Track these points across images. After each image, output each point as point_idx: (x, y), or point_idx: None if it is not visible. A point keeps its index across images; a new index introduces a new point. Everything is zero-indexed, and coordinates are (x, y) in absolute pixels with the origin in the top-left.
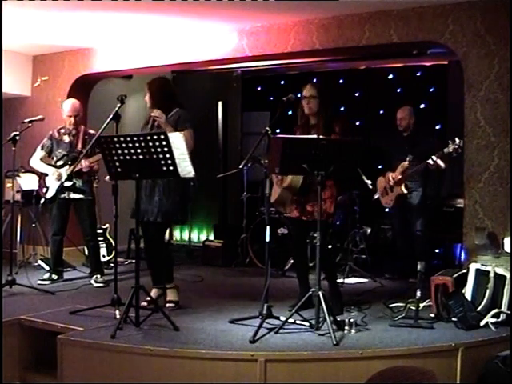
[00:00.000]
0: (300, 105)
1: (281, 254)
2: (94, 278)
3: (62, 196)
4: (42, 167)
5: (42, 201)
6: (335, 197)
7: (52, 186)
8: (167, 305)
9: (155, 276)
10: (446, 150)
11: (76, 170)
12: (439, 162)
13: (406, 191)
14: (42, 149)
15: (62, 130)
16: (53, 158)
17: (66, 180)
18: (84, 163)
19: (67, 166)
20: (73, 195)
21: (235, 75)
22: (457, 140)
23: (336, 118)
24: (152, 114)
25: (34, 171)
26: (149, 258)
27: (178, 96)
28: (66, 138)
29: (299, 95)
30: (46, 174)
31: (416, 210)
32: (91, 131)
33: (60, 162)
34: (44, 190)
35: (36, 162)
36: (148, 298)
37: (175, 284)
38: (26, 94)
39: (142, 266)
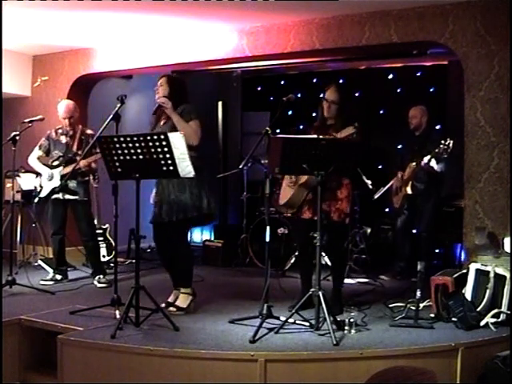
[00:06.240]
0: (320, 104)
1: (281, 254)
2: (96, 278)
3: (56, 196)
4: (38, 167)
5: (36, 200)
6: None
7: (45, 185)
8: (170, 308)
9: (173, 278)
10: (436, 150)
11: (71, 170)
12: (432, 163)
13: (411, 192)
14: (40, 148)
15: (60, 131)
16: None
17: (60, 181)
18: (82, 163)
19: (61, 168)
20: (67, 196)
21: (235, 75)
22: (447, 140)
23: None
24: (158, 100)
25: (33, 171)
26: (163, 260)
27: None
28: (63, 139)
29: (299, 95)
30: (41, 174)
31: (426, 213)
32: (89, 131)
33: (56, 163)
34: (38, 188)
35: (33, 160)
36: (170, 300)
37: (193, 291)
38: (26, 94)
39: (141, 266)
